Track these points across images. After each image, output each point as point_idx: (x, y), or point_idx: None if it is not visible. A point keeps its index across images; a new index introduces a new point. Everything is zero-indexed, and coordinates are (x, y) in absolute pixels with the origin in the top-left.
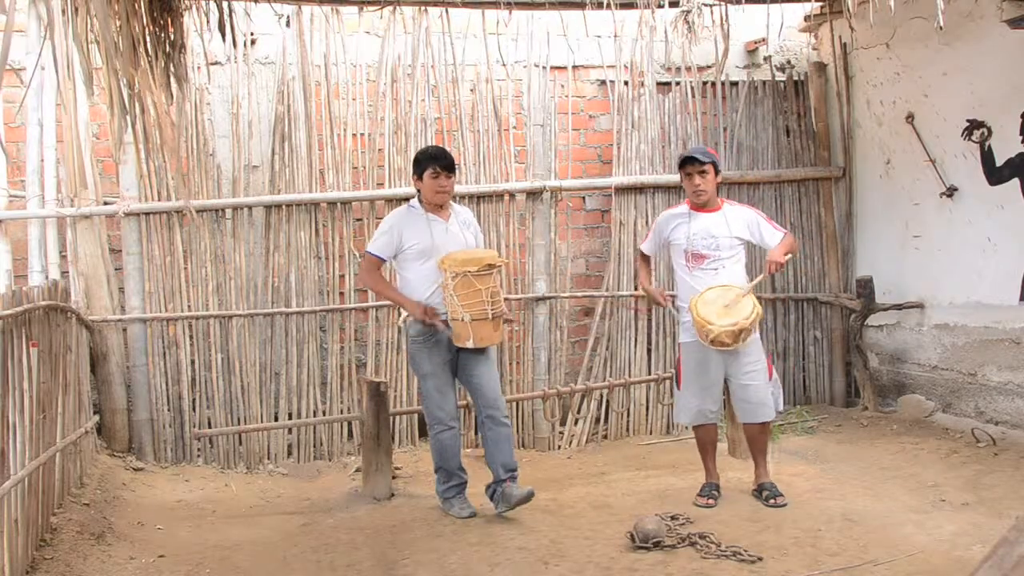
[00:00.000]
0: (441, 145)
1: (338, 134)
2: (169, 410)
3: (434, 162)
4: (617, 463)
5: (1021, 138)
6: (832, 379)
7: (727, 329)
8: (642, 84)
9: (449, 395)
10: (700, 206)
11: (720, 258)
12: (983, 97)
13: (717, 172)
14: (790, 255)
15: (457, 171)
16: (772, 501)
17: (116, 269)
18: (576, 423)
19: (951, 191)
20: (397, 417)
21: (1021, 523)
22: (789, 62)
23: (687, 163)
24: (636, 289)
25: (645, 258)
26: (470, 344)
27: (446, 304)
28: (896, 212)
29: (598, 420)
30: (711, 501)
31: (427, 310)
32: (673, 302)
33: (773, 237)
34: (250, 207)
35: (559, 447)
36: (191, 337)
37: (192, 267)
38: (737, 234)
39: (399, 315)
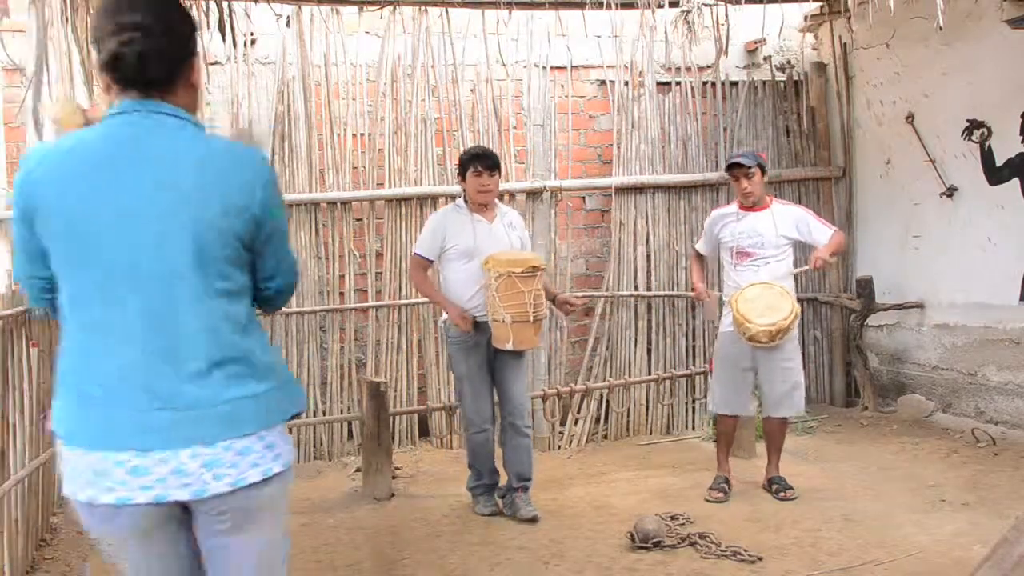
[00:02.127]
0: (485, 145)
1: (338, 134)
2: None
3: (476, 161)
4: (617, 463)
5: (1021, 138)
6: (832, 379)
7: (764, 328)
8: (642, 84)
9: (484, 398)
10: (748, 206)
11: (764, 256)
12: (983, 97)
13: (764, 173)
14: (836, 255)
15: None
16: (782, 494)
17: None
18: (576, 423)
19: (951, 191)
20: (397, 417)
21: (1021, 523)
22: (789, 62)
23: (733, 167)
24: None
25: (699, 256)
26: (509, 346)
27: (488, 305)
28: (896, 212)
29: (598, 420)
30: (720, 495)
31: (465, 316)
32: (718, 299)
33: (823, 235)
34: None
35: (559, 447)
36: None
37: None
38: (784, 233)
39: (441, 315)
